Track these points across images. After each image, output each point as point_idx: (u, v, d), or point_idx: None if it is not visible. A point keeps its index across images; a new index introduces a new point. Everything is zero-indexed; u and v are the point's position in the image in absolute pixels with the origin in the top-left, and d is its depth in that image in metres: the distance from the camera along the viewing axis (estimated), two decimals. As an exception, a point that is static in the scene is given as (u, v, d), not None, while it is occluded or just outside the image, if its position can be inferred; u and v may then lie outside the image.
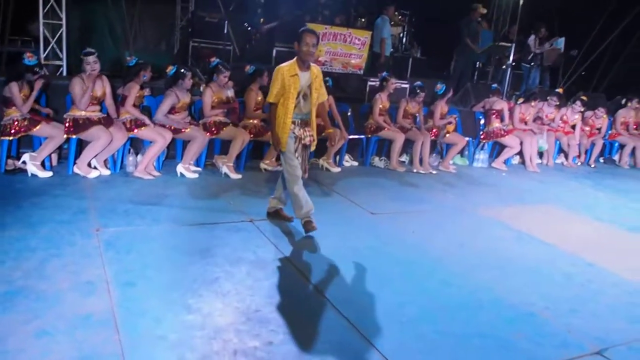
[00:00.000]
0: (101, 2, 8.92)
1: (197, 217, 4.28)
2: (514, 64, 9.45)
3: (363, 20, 9.75)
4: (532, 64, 9.73)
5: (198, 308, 2.87)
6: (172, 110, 5.47)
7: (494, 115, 7.51)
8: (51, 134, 5.00)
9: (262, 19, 9.69)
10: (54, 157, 5.31)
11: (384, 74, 7.02)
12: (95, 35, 8.88)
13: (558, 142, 8.13)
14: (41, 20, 7.01)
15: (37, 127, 4.91)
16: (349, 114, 7.00)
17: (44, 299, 2.79)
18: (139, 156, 5.44)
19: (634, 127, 9.00)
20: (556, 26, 10.59)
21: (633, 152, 8.79)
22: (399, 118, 6.93)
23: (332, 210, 4.76)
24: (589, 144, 8.50)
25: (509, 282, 3.63)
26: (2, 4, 8.15)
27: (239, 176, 5.63)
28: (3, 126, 4.85)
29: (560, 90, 8.66)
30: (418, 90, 6.85)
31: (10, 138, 4.89)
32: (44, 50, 7.14)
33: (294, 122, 3.93)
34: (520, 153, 7.72)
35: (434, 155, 7.29)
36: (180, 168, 5.46)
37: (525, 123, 7.72)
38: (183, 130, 5.46)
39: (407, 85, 7.74)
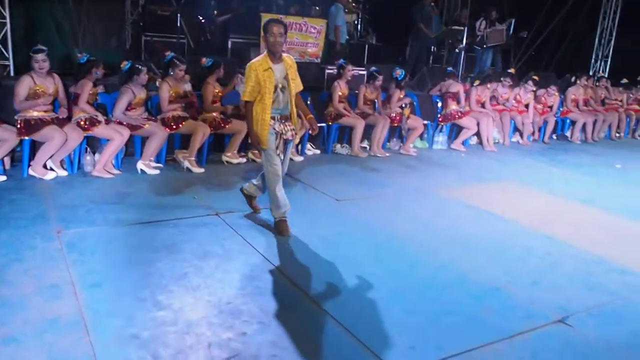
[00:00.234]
0: (46, -1, 8.60)
1: (161, 214, 4.21)
2: (467, 47, 9.66)
3: (317, 8, 9.71)
4: (484, 46, 9.95)
5: (169, 304, 2.85)
6: (128, 107, 5.35)
7: (450, 98, 7.66)
8: (2, 136, 4.82)
9: (215, 11, 9.56)
10: (7, 160, 5.12)
11: (341, 61, 7.03)
12: (42, 32, 8.53)
13: (513, 121, 8.35)
14: (-17, 20, 6.74)
15: (-13, 131, 4.73)
16: (308, 102, 6.99)
17: (8, 305, 2.72)
18: (97, 155, 5.31)
19: (584, 103, 9.36)
20: (506, 8, 10.83)
21: (584, 128, 9.14)
22: (360, 104, 6.98)
23: (298, 199, 4.77)
24: (542, 122, 8.78)
25: (473, 259, 3.75)
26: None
27: (202, 170, 5.58)
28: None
29: (512, 70, 8.91)
30: (376, 75, 6.92)
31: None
32: (-12, 50, 6.86)
33: (273, 118, 3.81)
34: (478, 134, 7.90)
35: (395, 139, 7.39)
36: (140, 165, 5.36)
37: (483, 105, 7.91)
38: (141, 126, 5.36)
39: (364, 72, 7.78)
